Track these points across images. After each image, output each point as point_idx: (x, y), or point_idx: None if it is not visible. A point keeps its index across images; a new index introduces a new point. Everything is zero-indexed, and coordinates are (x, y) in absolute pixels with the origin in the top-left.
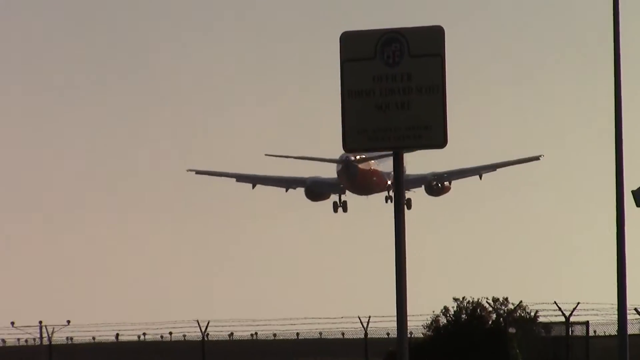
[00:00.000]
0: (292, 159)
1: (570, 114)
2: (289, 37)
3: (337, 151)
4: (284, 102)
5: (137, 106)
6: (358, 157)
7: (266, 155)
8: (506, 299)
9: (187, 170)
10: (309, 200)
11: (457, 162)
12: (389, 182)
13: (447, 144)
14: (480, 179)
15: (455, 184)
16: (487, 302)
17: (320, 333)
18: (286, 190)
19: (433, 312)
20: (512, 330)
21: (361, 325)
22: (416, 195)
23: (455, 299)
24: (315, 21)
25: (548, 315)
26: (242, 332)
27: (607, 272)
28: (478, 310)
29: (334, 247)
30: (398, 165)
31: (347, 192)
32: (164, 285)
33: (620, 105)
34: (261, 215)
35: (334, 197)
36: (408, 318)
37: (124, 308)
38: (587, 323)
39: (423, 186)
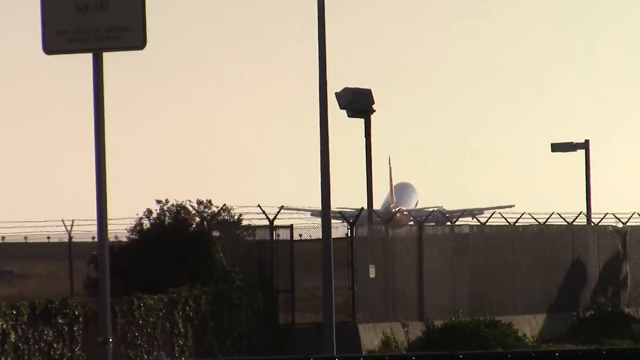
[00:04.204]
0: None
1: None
2: None
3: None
4: None
5: None
6: (398, 208)
7: (337, 208)
8: (210, 202)
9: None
10: None
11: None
12: (411, 219)
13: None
14: (473, 218)
15: None
16: (190, 204)
17: (26, 237)
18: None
19: (137, 214)
20: (215, 233)
21: (65, 229)
22: None
23: (159, 201)
24: None
25: (252, 219)
26: None
27: (310, 176)
28: (182, 213)
29: (38, 150)
30: (97, 66)
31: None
32: None
33: (323, 16)
34: None
35: None
36: (113, 222)
37: None
38: (291, 226)
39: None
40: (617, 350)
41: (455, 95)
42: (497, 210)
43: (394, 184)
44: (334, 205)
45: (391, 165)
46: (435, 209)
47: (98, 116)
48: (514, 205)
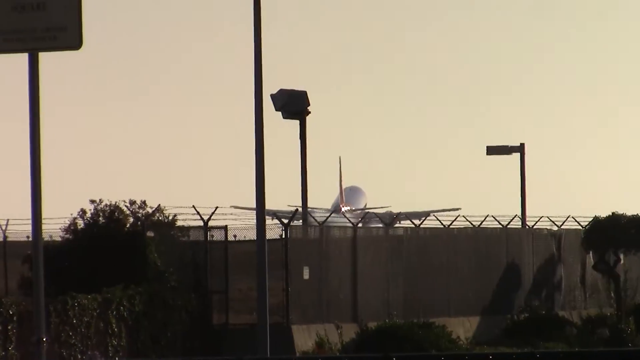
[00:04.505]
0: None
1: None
2: None
3: None
4: None
5: None
6: (348, 208)
7: (289, 205)
8: (144, 202)
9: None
10: None
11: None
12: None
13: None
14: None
15: None
16: (124, 205)
17: None
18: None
19: (71, 214)
20: (150, 234)
21: (0, 228)
22: None
23: (92, 201)
24: None
25: (187, 220)
26: None
27: (245, 176)
28: (116, 213)
29: None
30: (33, 66)
31: None
32: None
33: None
34: None
35: None
36: (48, 221)
37: None
38: (225, 227)
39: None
40: (551, 354)
41: (391, 96)
42: (434, 214)
43: (343, 186)
44: (274, 206)
45: (341, 166)
46: (383, 209)
47: (34, 116)
48: (460, 208)
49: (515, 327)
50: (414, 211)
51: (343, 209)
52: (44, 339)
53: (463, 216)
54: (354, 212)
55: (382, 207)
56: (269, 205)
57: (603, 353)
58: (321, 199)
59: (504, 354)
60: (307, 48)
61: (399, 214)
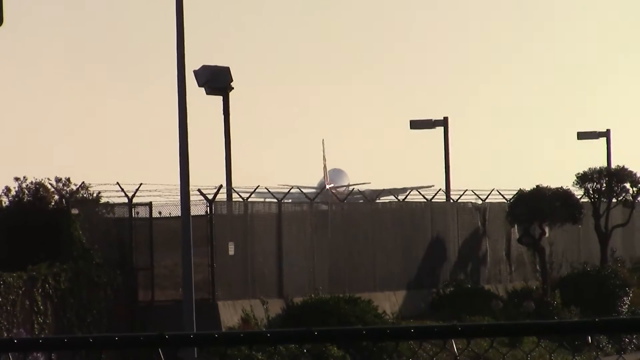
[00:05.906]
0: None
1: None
2: None
3: None
4: None
5: None
6: (332, 185)
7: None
8: (68, 180)
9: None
10: None
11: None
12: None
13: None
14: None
15: None
16: (49, 182)
17: None
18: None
19: None
20: (74, 211)
21: None
22: None
23: (17, 179)
24: None
25: (111, 197)
26: None
27: (169, 153)
28: (40, 190)
29: None
30: None
31: None
32: None
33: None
34: None
35: None
36: None
37: None
38: (150, 204)
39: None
40: (473, 327)
41: (313, 72)
42: (355, 187)
43: (328, 168)
44: (193, 182)
45: (324, 148)
46: (357, 187)
47: None
48: (433, 185)
49: (441, 300)
50: (387, 188)
51: (327, 187)
52: None
53: (388, 190)
54: (338, 190)
55: (363, 184)
56: (197, 181)
57: (527, 326)
58: (246, 175)
59: (425, 327)
60: (230, 24)
61: (327, 189)
